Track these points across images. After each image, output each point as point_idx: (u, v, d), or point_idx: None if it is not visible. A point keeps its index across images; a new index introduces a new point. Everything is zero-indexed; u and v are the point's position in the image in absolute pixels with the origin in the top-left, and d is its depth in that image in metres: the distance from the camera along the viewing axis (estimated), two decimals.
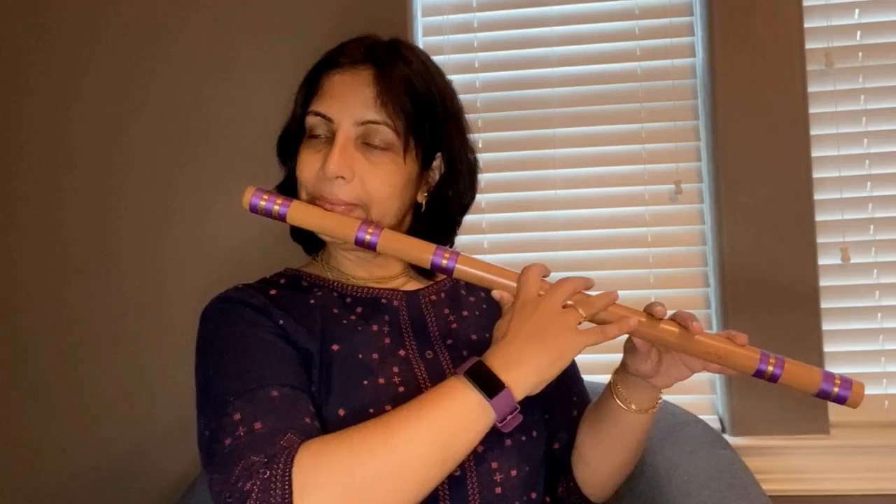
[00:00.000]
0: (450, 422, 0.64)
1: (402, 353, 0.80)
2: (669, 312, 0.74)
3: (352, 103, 0.76)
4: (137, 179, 1.45)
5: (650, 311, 0.73)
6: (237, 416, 0.66)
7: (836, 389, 0.71)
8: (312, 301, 0.82)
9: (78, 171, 1.46)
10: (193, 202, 1.44)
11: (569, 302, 0.71)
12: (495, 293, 0.74)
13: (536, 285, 0.71)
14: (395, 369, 0.78)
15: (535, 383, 0.66)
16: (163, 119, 1.44)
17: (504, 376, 0.65)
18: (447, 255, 0.75)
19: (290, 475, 0.60)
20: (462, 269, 0.75)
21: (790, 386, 0.72)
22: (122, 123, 1.45)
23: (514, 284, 0.73)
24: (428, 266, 0.76)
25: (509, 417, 0.66)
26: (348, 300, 0.83)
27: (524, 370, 0.66)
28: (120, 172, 1.45)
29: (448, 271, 0.75)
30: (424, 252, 0.76)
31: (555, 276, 0.74)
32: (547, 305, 0.69)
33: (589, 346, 0.68)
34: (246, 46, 1.43)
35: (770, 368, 0.71)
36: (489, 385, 0.64)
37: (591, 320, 0.72)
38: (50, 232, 1.46)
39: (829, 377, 0.71)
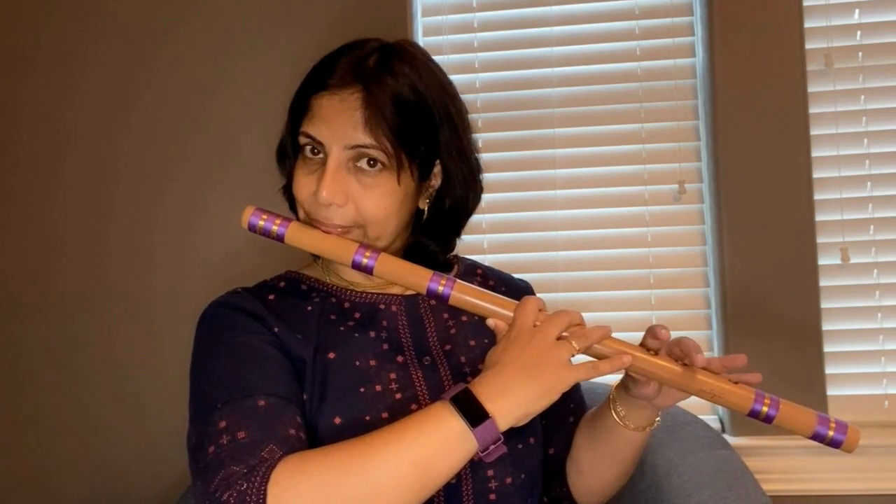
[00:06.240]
0: (430, 448, 0.63)
1: (399, 359, 0.80)
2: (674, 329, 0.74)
3: (341, 127, 0.74)
4: (130, 184, 1.43)
5: (645, 344, 0.73)
6: (222, 424, 0.66)
7: (830, 433, 0.70)
8: (310, 307, 0.81)
9: (71, 170, 1.44)
10: (185, 207, 1.43)
11: (564, 333, 0.70)
12: (490, 321, 0.74)
13: (533, 316, 0.71)
14: (393, 376, 0.78)
15: (521, 415, 0.66)
16: (158, 121, 1.43)
17: (489, 406, 0.64)
18: (443, 282, 0.75)
19: (265, 490, 0.60)
20: (458, 297, 0.74)
21: (784, 427, 0.71)
22: (116, 125, 1.44)
23: (510, 314, 0.72)
24: (424, 292, 0.75)
25: (492, 447, 0.65)
26: (346, 305, 0.83)
27: (511, 401, 0.65)
28: (113, 175, 1.44)
29: (444, 298, 0.75)
30: (421, 278, 0.75)
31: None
32: (541, 337, 0.68)
33: (580, 381, 0.68)
34: (242, 49, 1.42)
35: (765, 409, 0.71)
36: (474, 414, 0.64)
37: (584, 353, 0.71)
38: (40, 235, 1.45)
39: (825, 420, 0.71)
